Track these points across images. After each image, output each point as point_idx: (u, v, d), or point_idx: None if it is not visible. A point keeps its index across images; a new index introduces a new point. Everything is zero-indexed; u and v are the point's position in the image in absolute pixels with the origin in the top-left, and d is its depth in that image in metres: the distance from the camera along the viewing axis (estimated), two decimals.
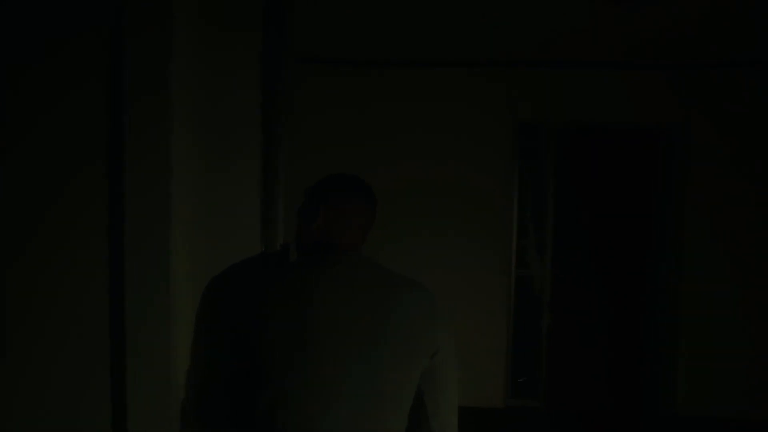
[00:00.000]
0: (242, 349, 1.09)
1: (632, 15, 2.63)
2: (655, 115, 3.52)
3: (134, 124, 1.23)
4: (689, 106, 3.48)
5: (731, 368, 3.44)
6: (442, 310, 1.22)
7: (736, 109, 3.46)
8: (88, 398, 1.28)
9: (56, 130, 1.22)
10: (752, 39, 3.03)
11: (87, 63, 1.21)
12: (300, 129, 3.54)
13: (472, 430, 3.30)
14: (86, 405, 1.27)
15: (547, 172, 3.58)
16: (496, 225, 3.58)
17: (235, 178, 1.38)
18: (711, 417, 3.47)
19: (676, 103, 3.49)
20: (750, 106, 3.46)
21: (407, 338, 1.11)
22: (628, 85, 3.47)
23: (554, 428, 3.56)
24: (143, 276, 1.28)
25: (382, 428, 1.10)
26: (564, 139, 3.59)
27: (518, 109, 3.54)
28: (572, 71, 3.48)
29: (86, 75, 1.21)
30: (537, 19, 2.80)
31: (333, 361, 1.06)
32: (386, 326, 1.10)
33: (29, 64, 1.21)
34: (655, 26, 2.82)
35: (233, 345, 1.10)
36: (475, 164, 3.56)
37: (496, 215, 3.58)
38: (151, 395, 1.30)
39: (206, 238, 1.37)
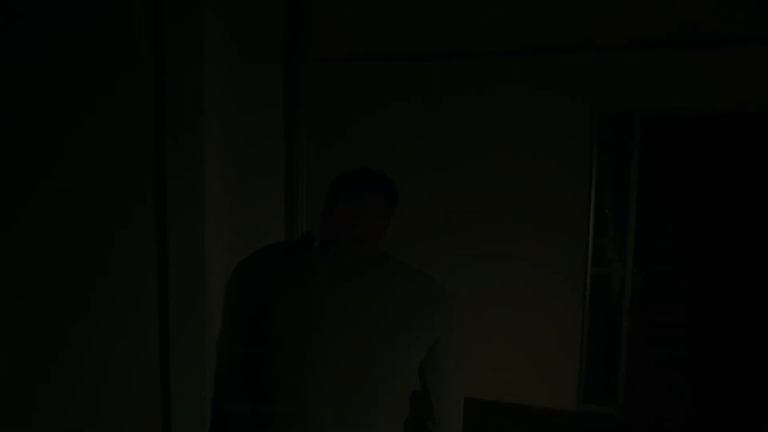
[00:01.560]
0: (253, 329, 1.18)
1: None
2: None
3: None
4: None
5: None
6: (447, 300, 1.21)
7: None
8: (138, 378, 1.48)
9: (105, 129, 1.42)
10: None
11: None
12: (368, 122, 3.66)
13: (542, 431, 3.22)
14: (136, 386, 1.48)
15: (630, 165, 3.32)
16: (571, 220, 3.41)
17: (262, 178, 1.49)
18: None
19: None
20: None
21: (402, 325, 1.13)
22: (731, 64, 3.11)
23: None
24: (183, 265, 1.44)
25: (376, 413, 1.14)
26: (649, 129, 3.31)
27: (597, 98, 3.33)
28: (658, 53, 3.20)
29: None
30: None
31: (326, 344, 1.11)
32: (381, 312, 1.12)
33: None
34: None
35: (247, 325, 1.20)
36: (548, 155, 3.42)
37: (571, 210, 3.41)
38: (191, 377, 1.47)
39: (236, 234, 1.50)
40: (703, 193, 3.22)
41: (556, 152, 3.40)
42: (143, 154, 1.39)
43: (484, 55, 3.48)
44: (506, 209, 3.52)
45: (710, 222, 3.22)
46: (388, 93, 3.67)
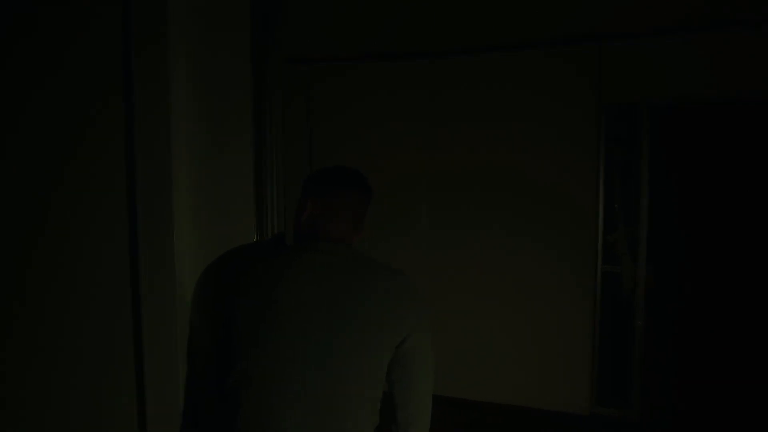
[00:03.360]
0: (221, 333, 1.15)
1: None
2: None
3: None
4: None
5: None
6: (417, 298, 1.17)
7: None
8: (112, 374, 1.46)
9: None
10: None
11: None
12: (364, 116, 3.62)
13: None
14: (109, 380, 1.46)
15: (639, 157, 3.19)
16: (579, 216, 3.29)
17: (230, 172, 1.46)
18: None
19: None
20: None
21: (370, 325, 1.09)
22: (746, 49, 2.94)
23: None
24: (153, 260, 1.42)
25: (343, 418, 1.10)
26: (659, 119, 3.17)
27: (604, 89, 3.21)
28: (667, 40, 3.06)
29: None
30: None
31: (292, 347, 1.08)
32: (348, 313, 1.09)
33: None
34: None
35: (216, 328, 1.17)
36: (555, 150, 3.31)
37: (578, 206, 3.29)
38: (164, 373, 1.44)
39: (204, 230, 1.48)
40: (719, 184, 3.08)
41: (562, 146, 3.29)
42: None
43: (487, 50, 3.41)
44: (510, 206, 3.43)
45: (727, 215, 3.07)
46: (387, 89, 3.62)
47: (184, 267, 1.45)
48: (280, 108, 1.51)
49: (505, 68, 3.40)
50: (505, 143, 3.42)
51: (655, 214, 3.19)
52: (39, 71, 1.43)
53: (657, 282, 3.19)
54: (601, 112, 3.22)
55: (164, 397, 1.47)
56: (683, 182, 3.15)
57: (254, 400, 1.08)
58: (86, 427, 1.47)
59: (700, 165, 3.11)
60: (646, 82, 3.15)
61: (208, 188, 1.46)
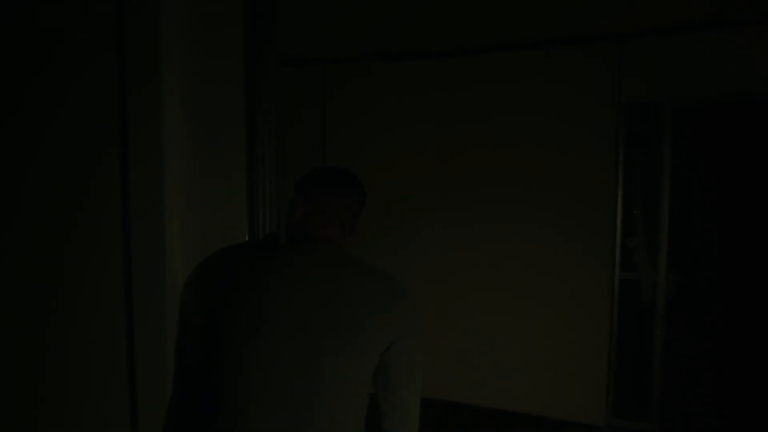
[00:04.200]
0: (209, 331, 1.14)
1: None
2: None
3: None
4: None
5: None
6: (406, 303, 1.14)
7: None
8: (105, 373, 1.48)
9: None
10: None
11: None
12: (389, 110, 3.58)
13: None
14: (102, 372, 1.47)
15: (662, 158, 3.07)
16: (597, 220, 3.19)
17: (222, 169, 1.45)
18: None
19: None
20: None
21: (356, 326, 1.06)
22: None
23: None
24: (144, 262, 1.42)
25: (330, 418, 1.07)
26: (682, 119, 3.05)
27: (624, 87, 3.10)
28: (691, 36, 2.94)
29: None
30: None
31: (280, 346, 1.06)
32: (334, 312, 1.06)
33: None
34: None
35: (204, 326, 1.16)
36: (571, 150, 3.21)
37: (596, 209, 3.19)
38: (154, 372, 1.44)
39: (197, 228, 1.47)
40: (745, 187, 2.94)
41: (579, 147, 3.19)
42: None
43: (501, 47, 3.34)
44: (525, 210, 3.34)
45: (752, 220, 2.93)
46: (407, 84, 3.59)
47: (176, 265, 1.45)
48: (276, 108, 1.49)
49: (517, 67, 3.33)
50: (518, 146, 3.33)
51: (678, 218, 3.06)
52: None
53: (679, 290, 3.07)
54: (621, 111, 3.12)
55: (156, 396, 1.46)
56: (707, 185, 3.02)
57: (240, 399, 1.07)
58: (78, 425, 1.48)
59: (724, 167, 2.98)
60: (669, 80, 3.03)
61: (200, 186, 1.45)
